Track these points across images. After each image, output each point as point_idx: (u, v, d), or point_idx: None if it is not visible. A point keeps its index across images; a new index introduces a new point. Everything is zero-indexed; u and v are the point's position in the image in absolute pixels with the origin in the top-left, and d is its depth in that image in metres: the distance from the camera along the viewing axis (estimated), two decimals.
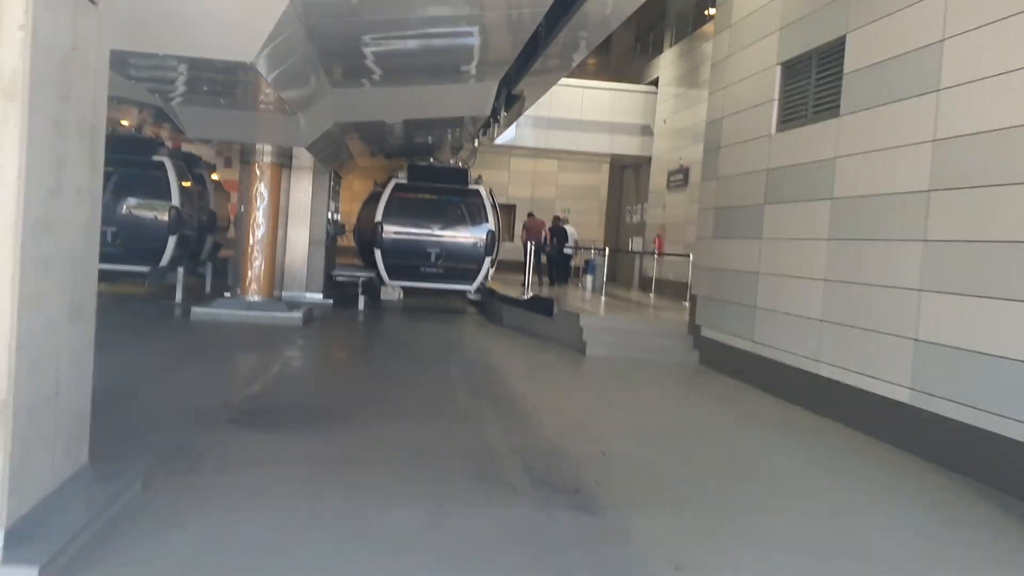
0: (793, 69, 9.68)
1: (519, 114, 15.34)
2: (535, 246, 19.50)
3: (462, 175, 16.70)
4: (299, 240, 16.24)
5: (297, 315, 12.85)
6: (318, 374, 9.61)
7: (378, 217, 16.18)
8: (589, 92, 21.57)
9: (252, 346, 10.85)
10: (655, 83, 21.16)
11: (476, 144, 17.83)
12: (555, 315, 12.72)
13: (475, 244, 16.62)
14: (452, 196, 16.72)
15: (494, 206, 16.73)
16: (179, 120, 11.61)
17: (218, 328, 12.05)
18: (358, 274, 16.40)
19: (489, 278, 16.76)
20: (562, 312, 12.71)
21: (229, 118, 11.62)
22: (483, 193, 16.64)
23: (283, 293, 15.43)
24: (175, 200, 14.48)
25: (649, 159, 21.17)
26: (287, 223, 14.81)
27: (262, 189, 13.14)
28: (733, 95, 11.14)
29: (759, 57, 10.38)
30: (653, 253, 19.12)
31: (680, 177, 18.40)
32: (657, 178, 20.36)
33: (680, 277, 17.70)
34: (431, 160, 17.48)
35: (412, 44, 9.86)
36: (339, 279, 16.89)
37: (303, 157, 14.27)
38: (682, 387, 9.99)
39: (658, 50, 21.42)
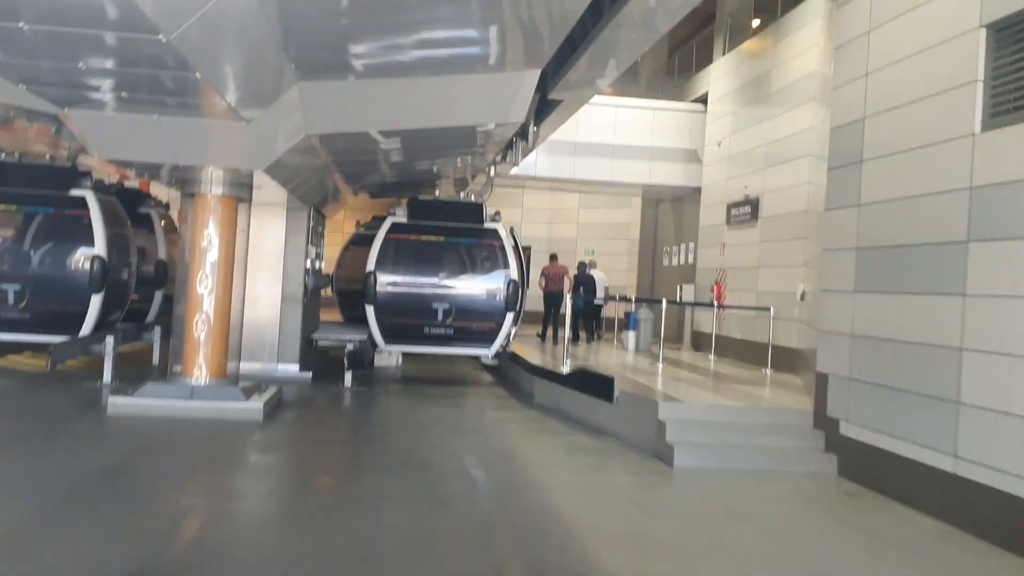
0: (1011, 33, 6.21)
1: (554, 127, 11.90)
2: (555, 296, 15.99)
3: (476, 211, 13.20)
4: (268, 297, 12.65)
5: (256, 406, 9.18)
6: (268, 540, 5.93)
7: (371, 266, 12.62)
8: (624, 112, 18.15)
9: (177, 470, 7.15)
10: (703, 100, 17.78)
11: (492, 173, 14.38)
12: (616, 399, 9.10)
13: (493, 297, 13.05)
14: (464, 238, 13.21)
15: (516, 248, 13.19)
16: (80, 134, 8.10)
17: (142, 430, 8.38)
18: (347, 338, 12.76)
19: (511, 339, 13.18)
20: (627, 396, 9.09)
21: (153, 128, 8.12)
22: (502, 233, 13.12)
23: (246, 366, 11.80)
24: (99, 247, 10.92)
25: (696, 190, 17.72)
26: (248, 275, 11.21)
27: (211, 230, 9.60)
28: (885, 83, 7.65)
29: (942, 20, 6.92)
30: (712, 305, 15.53)
31: (746, 211, 14.89)
32: (711, 212, 16.86)
33: (751, 335, 14.08)
34: (436, 194, 13.98)
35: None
36: (321, 344, 13.29)
37: (270, 189, 10.76)
38: (843, 529, 6.31)
39: (706, 61, 18.08)
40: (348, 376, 11.98)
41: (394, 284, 12.86)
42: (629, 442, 8.79)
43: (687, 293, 17.42)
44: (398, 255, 13.01)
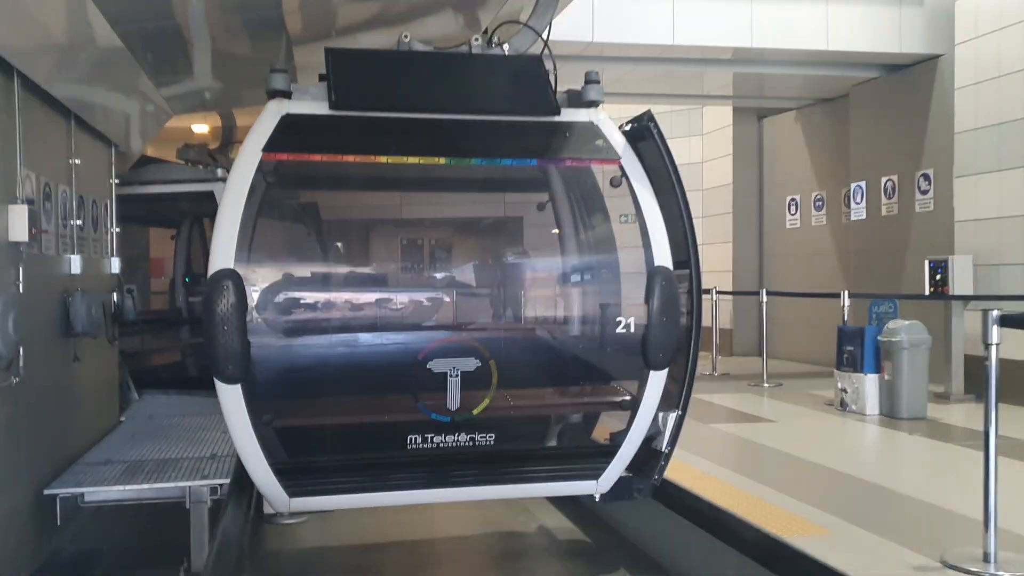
0: None
1: None
2: None
3: (529, 79, 4.46)
4: None
5: None
6: None
7: (220, 260, 3.95)
8: None
9: None
10: None
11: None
12: None
13: (608, 324, 4.48)
14: (509, 157, 4.47)
15: (674, 177, 4.49)
16: None
17: None
18: (163, 491, 4.02)
19: (674, 446, 4.51)
20: None
21: None
22: (615, 141, 4.46)
23: None
24: None
25: (926, 61, 9.18)
26: None
27: None
28: None
29: None
30: None
31: None
32: (990, 100, 8.38)
33: None
34: (406, 38, 4.98)
35: None
36: (89, 501, 4.44)
37: None
38: None
39: None
40: None
41: (302, 311, 4.23)
42: None
43: (961, 274, 8.67)
44: (309, 221, 4.39)
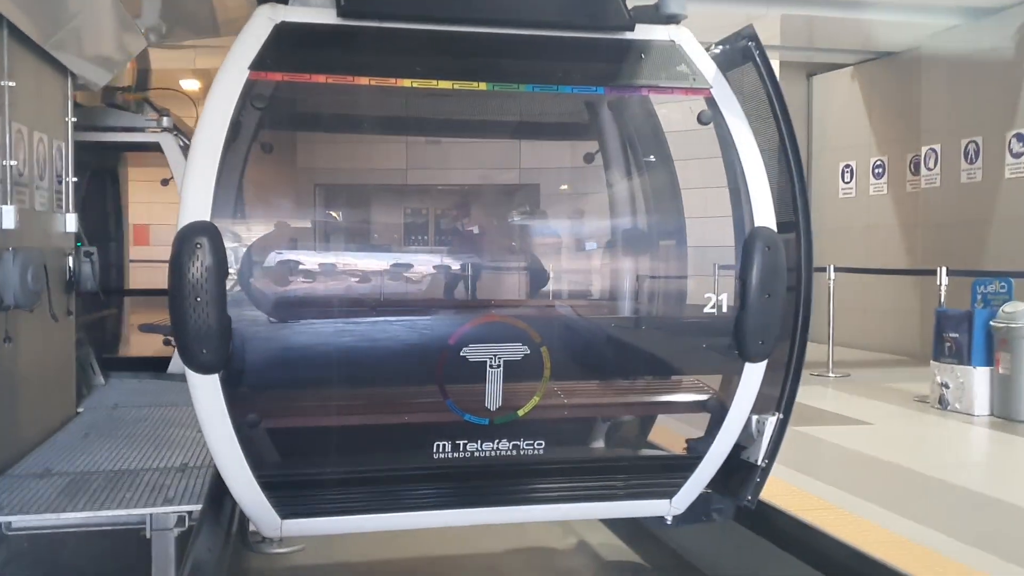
0: None
1: None
2: None
3: None
4: None
5: None
6: None
7: (193, 211, 3.00)
8: None
9: None
10: None
11: None
12: None
13: (679, 302, 3.52)
14: (566, 63, 3.44)
15: (783, 110, 3.53)
16: None
17: None
18: (112, 517, 3.10)
19: (773, 460, 3.56)
20: None
21: None
22: (704, 70, 3.46)
23: None
24: None
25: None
26: None
27: None
28: None
29: None
30: None
31: None
32: None
33: None
34: None
35: None
36: (18, 529, 3.51)
37: None
38: None
39: None
40: None
41: (299, 279, 3.30)
42: None
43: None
44: (310, 162, 3.43)
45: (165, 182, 5.96)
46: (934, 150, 9.76)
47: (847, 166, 11.90)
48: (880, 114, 11.16)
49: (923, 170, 9.94)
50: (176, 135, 5.83)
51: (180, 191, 2.99)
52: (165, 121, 5.79)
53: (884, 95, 11.05)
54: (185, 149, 5.88)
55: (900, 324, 10.30)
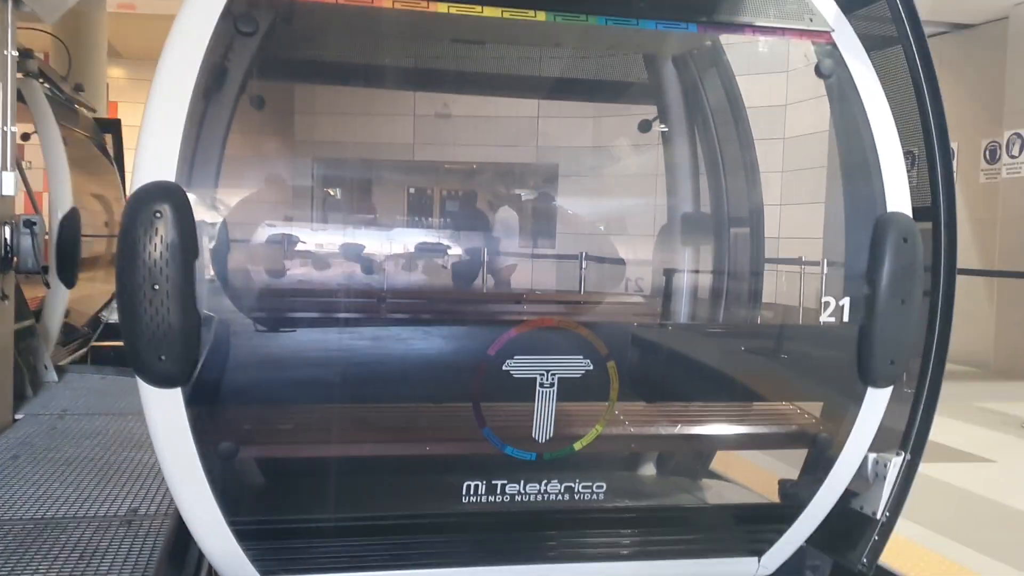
0: None
1: None
2: None
3: None
4: None
5: None
6: None
7: (153, 168, 2.26)
8: None
9: None
10: None
11: None
12: None
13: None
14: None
15: (927, 62, 2.76)
16: None
17: None
18: None
19: (898, 513, 2.77)
20: None
21: None
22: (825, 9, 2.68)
23: None
24: None
25: None
26: None
27: None
28: None
29: None
30: None
31: None
32: None
33: None
34: None
35: None
36: None
37: None
38: None
39: None
40: None
41: (293, 263, 2.54)
42: None
43: None
44: (311, 112, 2.67)
45: (26, 136, 5.09)
46: (1019, 135, 8.82)
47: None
48: (950, 95, 10.17)
49: (1004, 158, 9.00)
50: (43, 82, 5.00)
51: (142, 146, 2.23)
52: (29, 64, 4.88)
53: (956, 73, 10.07)
54: (54, 99, 5.05)
55: (970, 332, 9.41)
